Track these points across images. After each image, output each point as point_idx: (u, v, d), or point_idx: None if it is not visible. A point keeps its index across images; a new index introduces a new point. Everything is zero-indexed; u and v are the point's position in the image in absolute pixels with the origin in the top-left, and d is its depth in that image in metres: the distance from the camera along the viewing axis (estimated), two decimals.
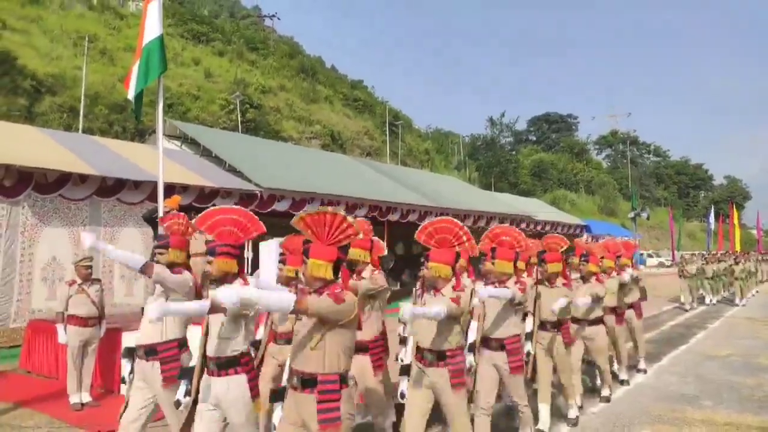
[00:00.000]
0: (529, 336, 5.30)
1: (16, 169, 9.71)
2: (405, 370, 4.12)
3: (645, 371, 7.75)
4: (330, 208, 3.15)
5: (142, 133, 25.14)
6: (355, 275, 4.51)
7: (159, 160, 5.52)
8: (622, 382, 7.08)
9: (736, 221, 36.02)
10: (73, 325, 5.91)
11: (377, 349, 4.63)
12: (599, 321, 6.14)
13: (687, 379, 7.45)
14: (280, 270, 4.63)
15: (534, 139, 76.03)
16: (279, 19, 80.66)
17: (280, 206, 13.96)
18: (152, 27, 5.18)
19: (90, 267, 6.24)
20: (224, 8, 67.70)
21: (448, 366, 3.77)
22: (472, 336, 4.81)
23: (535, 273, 5.68)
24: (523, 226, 25.30)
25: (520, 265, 5.73)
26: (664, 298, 18.10)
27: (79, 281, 6.05)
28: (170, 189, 10.15)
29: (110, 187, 10.90)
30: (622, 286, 7.00)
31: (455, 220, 4.12)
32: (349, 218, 3.14)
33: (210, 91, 35.76)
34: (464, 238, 4.02)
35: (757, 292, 21.14)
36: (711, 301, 17.53)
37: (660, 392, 6.74)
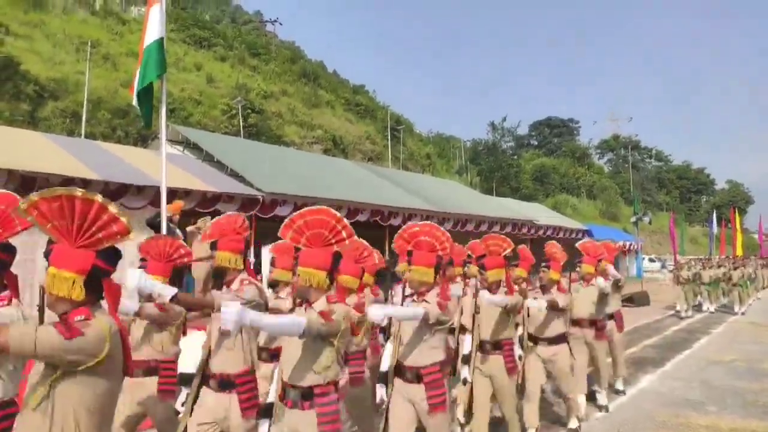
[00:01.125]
0: (466, 359, 4.68)
1: (19, 174, 9.75)
2: (382, 378, 3.79)
3: (624, 392, 6.95)
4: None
5: (144, 138, 25.18)
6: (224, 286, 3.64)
7: (162, 165, 5.51)
8: (600, 408, 6.27)
9: (738, 226, 35.91)
10: None
11: (357, 361, 4.31)
12: (561, 339, 5.23)
13: (691, 384, 7.43)
14: (270, 272, 4.58)
15: (535, 143, 76.01)
16: (281, 24, 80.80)
17: (282, 211, 13.96)
18: (153, 30, 5.19)
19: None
20: (226, 13, 67.85)
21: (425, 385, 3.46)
22: (467, 347, 4.71)
23: (475, 283, 5.21)
24: (525, 230, 25.29)
25: (458, 270, 5.69)
26: (660, 304, 17.73)
27: None
28: (172, 194, 10.16)
29: (113, 192, 10.92)
30: (604, 295, 6.15)
31: (435, 225, 3.99)
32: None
33: (212, 96, 35.81)
34: (447, 244, 3.92)
35: (757, 298, 20.39)
36: (708, 309, 16.80)
37: (664, 398, 6.72)
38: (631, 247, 37.32)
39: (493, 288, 4.54)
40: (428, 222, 4.05)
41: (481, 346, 4.62)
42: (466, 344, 4.75)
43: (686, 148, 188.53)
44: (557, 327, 5.22)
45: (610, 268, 6.29)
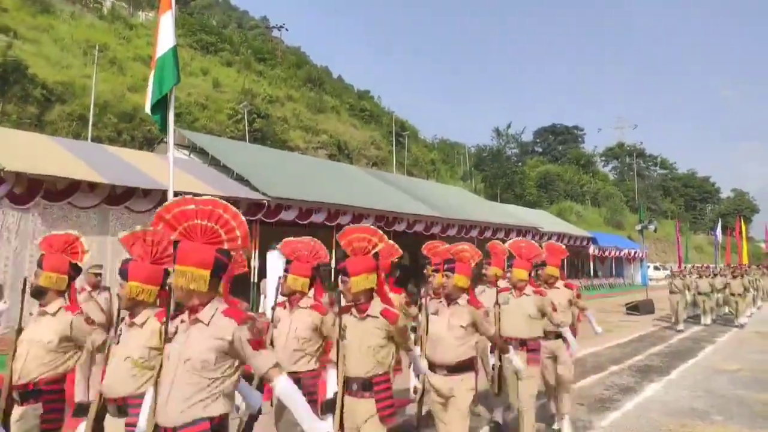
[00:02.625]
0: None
1: (27, 176, 9.80)
2: (329, 406, 3.38)
3: None
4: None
5: (150, 142, 25.28)
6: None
7: (169, 169, 5.54)
8: None
9: (743, 234, 35.78)
10: None
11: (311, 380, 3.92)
12: (465, 367, 3.88)
13: (697, 393, 7.38)
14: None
15: (540, 150, 75.92)
16: (287, 30, 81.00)
17: (287, 215, 14.00)
18: (166, 39, 5.23)
19: (100, 275, 6.26)
20: (233, 19, 68.30)
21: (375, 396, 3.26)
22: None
23: (426, 291, 5.02)
24: (529, 237, 25.27)
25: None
26: (663, 312, 17.17)
27: (88, 289, 6.08)
28: None
29: (119, 196, 10.98)
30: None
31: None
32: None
33: (218, 100, 35.96)
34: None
35: (758, 308, 19.05)
36: (705, 321, 15.66)
37: (669, 407, 6.68)
38: (636, 255, 37.24)
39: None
40: (361, 225, 3.85)
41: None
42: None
43: (691, 156, 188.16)
44: (457, 351, 4.09)
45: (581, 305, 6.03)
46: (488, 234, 21.75)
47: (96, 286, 6.12)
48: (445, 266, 4.01)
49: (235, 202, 12.86)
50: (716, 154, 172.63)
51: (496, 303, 4.75)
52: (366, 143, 45.51)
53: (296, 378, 3.51)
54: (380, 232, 3.53)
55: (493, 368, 4.90)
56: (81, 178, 10.47)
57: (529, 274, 5.02)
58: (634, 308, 18.37)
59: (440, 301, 4.25)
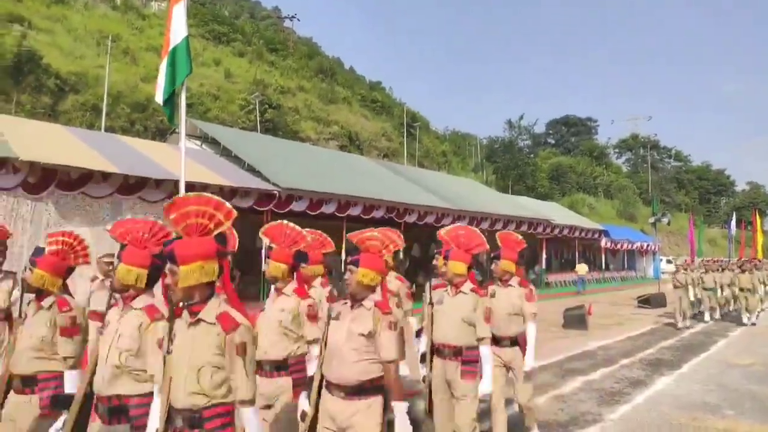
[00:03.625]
0: (423, 359, 4.29)
1: (40, 166, 9.89)
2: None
3: None
4: None
5: (162, 132, 25.42)
6: None
7: (181, 159, 5.56)
8: None
9: (759, 228, 35.35)
10: (94, 320, 5.98)
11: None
12: (370, 389, 2.92)
13: (709, 387, 7.33)
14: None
15: (552, 142, 75.46)
16: (299, 20, 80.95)
17: (298, 206, 14.03)
18: (178, 29, 5.22)
19: (112, 263, 6.30)
20: (245, 9, 68.24)
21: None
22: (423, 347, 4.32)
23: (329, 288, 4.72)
24: (541, 229, 25.13)
25: (317, 270, 4.68)
26: (661, 310, 16.56)
27: (100, 277, 6.13)
28: (190, 188, 10.21)
29: (132, 186, 11.05)
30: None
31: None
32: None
33: (230, 91, 36.06)
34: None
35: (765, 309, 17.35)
36: (709, 318, 14.73)
37: (681, 400, 6.64)
38: (649, 248, 36.96)
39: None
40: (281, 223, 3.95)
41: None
42: (422, 344, 4.39)
43: (706, 148, 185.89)
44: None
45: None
46: (499, 226, 21.66)
47: (108, 275, 6.16)
48: (348, 259, 3.19)
49: (246, 192, 12.93)
50: (731, 146, 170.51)
51: (429, 303, 4.20)
52: (377, 134, 45.45)
53: (283, 363, 3.62)
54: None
55: (423, 380, 4.25)
56: (94, 168, 10.55)
57: (469, 268, 4.13)
58: (645, 301, 18.25)
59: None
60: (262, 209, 13.26)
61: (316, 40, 67.53)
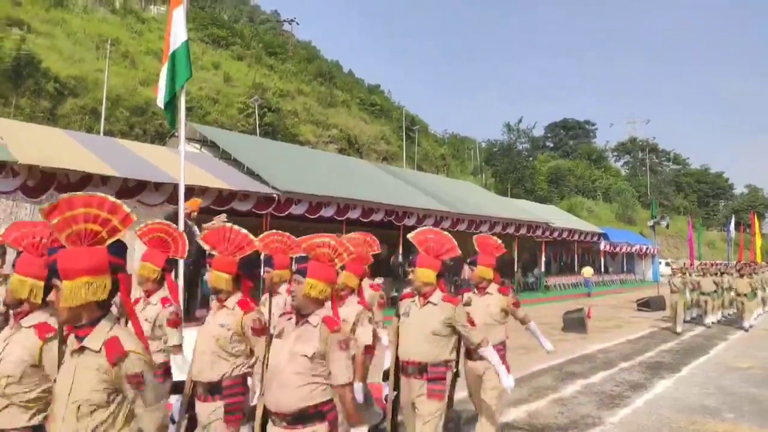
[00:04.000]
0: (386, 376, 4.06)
1: (39, 169, 9.88)
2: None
3: None
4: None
5: (162, 136, 25.42)
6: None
7: (180, 162, 5.56)
8: None
9: (757, 231, 35.40)
10: None
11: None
12: (315, 415, 2.66)
13: (708, 390, 7.33)
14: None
15: (551, 145, 75.56)
16: (297, 24, 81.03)
17: (297, 210, 14.03)
18: (178, 33, 5.24)
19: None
20: (244, 13, 68.29)
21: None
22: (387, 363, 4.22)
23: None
24: (540, 232, 25.13)
25: (283, 274, 4.31)
26: (661, 314, 16.22)
27: None
28: (189, 191, 10.25)
29: (131, 189, 11.04)
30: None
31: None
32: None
33: (229, 94, 36.09)
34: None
35: (765, 311, 17.40)
36: (708, 322, 14.26)
37: (681, 403, 6.64)
38: (648, 251, 36.98)
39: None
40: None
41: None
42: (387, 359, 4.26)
43: (705, 151, 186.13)
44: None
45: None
46: (498, 229, 21.66)
47: None
48: (295, 267, 2.93)
49: (245, 195, 12.92)
50: (730, 149, 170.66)
51: (396, 314, 3.81)
52: (376, 138, 45.49)
53: (216, 386, 3.19)
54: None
55: (386, 400, 4.06)
56: (93, 172, 10.54)
57: (438, 276, 3.67)
58: (645, 304, 18.26)
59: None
60: (261, 213, 13.26)
61: (315, 44, 67.66)
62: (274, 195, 13.53)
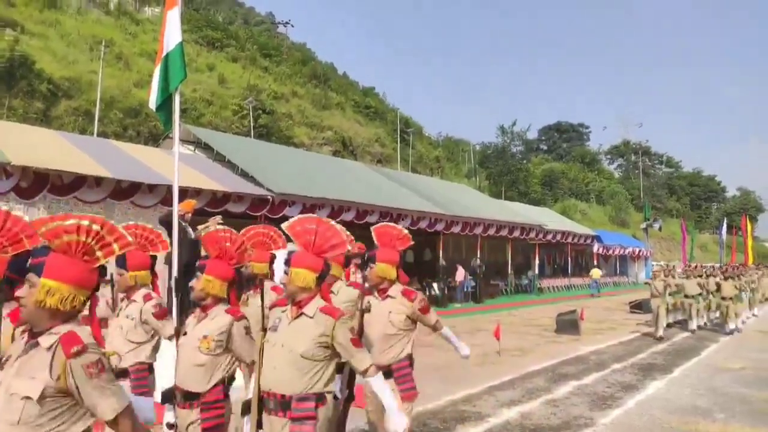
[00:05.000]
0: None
1: (33, 170, 9.86)
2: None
3: None
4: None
5: (155, 138, 25.37)
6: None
7: (175, 164, 5.56)
8: None
9: (749, 233, 35.66)
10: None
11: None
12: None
13: (699, 391, 7.39)
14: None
15: (545, 148, 75.88)
16: (292, 26, 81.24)
17: (291, 212, 14.04)
18: (172, 35, 5.24)
19: (105, 267, 6.28)
20: (238, 15, 68.25)
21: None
22: None
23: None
24: (533, 235, 25.23)
25: (141, 277, 3.76)
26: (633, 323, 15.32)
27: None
28: (183, 193, 10.22)
29: (125, 190, 11.03)
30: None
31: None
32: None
33: (223, 96, 36.05)
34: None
35: (754, 315, 17.05)
36: (692, 327, 13.46)
37: (672, 404, 6.69)
38: (641, 254, 37.18)
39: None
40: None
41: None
42: None
43: (697, 154, 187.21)
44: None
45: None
46: (492, 231, 21.75)
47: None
48: (198, 266, 2.92)
49: (239, 197, 12.93)
50: (722, 152, 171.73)
51: (262, 329, 2.92)
52: (371, 140, 45.54)
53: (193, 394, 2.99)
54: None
55: None
56: (87, 173, 10.53)
57: (320, 278, 2.86)
58: (637, 306, 18.34)
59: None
60: (255, 214, 13.27)
61: (309, 46, 67.68)
62: (269, 197, 13.55)
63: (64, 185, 10.33)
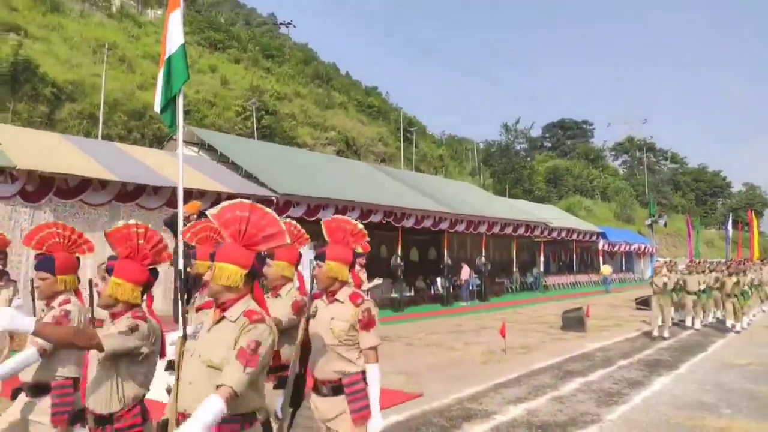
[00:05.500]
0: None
1: (38, 174, 9.91)
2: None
3: None
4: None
5: (160, 140, 25.44)
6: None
7: (179, 166, 5.58)
8: None
9: (755, 229, 35.51)
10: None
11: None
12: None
13: (706, 387, 7.37)
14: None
15: (549, 145, 75.70)
16: (294, 26, 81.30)
17: (296, 212, 14.08)
18: (174, 37, 5.25)
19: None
20: (240, 16, 68.41)
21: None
22: None
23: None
24: (538, 232, 25.20)
25: (69, 281, 3.35)
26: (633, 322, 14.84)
27: (102, 284, 6.15)
28: (188, 195, 10.28)
29: (130, 193, 11.08)
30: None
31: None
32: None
33: (226, 97, 36.11)
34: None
35: (762, 311, 16.82)
36: (694, 324, 13.32)
37: (679, 400, 6.68)
38: (647, 250, 37.07)
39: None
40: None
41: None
42: None
43: (702, 150, 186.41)
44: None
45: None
46: (497, 229, 21.72)
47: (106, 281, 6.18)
48: (106, 268, 2.71)
49: (244, 198, 12.97)
50: (727, 148, 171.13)
51: (182, 337, 2.47)
52: (374, 139, 45.54)
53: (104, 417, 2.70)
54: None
55: None
56: (92, 176, 10.59)
57: (253, 277, 2.43)
58: (644, 303, 18.25)
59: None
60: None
61: (311, 46, 67.76)
62: (273, 197, 13.58)
63: (69, 188, 10.38)
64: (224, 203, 2.47)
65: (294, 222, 3.78)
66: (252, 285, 2.43)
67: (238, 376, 2.16)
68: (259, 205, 2.47)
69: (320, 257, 3.11)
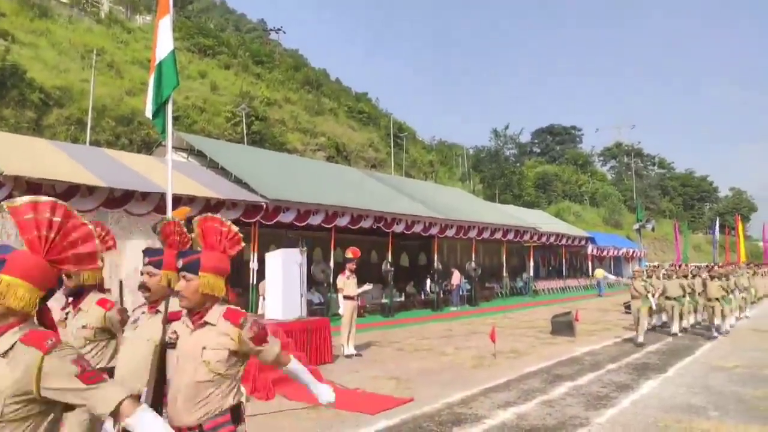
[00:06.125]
0: None
1: (25, 180, 9.83)
2: None
3: None
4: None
5: (148, 146, 25.30)
6: None
7: (168, 171, 5.58)
8: None
9: (741, 233, 35.90)
10: None
11: None
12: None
13: (694, 389, 7.43)
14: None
15: (538, 151, 76.21)
16: (284, 32, 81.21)
17: (285, 218, 14.04)
18: (164, 43, 5.27)
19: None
20: (230, 22, 68.33)
21: None
22: None
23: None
24: (528, 237, 25.30)
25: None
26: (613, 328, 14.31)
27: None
28: (177, 200, 10.23)
29: (118, 199, 11.00)
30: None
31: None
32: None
33: (216, 103, 36.01)
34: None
35: (745, 317, 16.66)
36: (675, 330, 12.91)
37: (667, 403, 6.73)
38: (635, 254, 37.31)
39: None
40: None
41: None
42: None
43: (689, 155, 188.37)
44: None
45: None
46: (486, 234, 21.80)
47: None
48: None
49: (233, 204, 12.92)
50: (714, 153, 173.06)
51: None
52: (364, 145, 45.58)
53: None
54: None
55: None
56: (80, 182, 10.51)
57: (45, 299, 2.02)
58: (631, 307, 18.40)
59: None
60: (249, 221, 13.26)
61: (302, 52, 67.77)
62: (263, 203, 13.55)
63: (57, 194, 10.29)
64: (27, 198, 2.00)
65: (222, 219, 2.70)
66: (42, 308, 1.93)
67: (116, 390, 1.88)
68: (75, 212, 2.10)
69: (191, 267, 2.45)
